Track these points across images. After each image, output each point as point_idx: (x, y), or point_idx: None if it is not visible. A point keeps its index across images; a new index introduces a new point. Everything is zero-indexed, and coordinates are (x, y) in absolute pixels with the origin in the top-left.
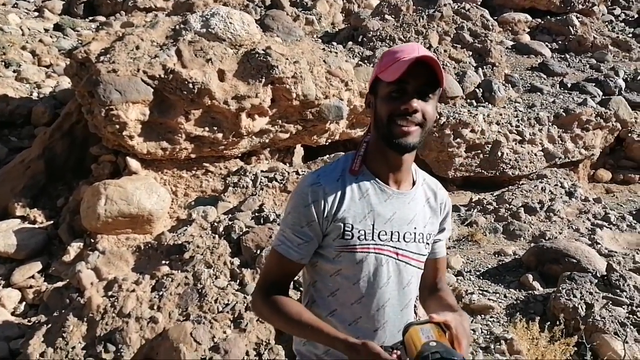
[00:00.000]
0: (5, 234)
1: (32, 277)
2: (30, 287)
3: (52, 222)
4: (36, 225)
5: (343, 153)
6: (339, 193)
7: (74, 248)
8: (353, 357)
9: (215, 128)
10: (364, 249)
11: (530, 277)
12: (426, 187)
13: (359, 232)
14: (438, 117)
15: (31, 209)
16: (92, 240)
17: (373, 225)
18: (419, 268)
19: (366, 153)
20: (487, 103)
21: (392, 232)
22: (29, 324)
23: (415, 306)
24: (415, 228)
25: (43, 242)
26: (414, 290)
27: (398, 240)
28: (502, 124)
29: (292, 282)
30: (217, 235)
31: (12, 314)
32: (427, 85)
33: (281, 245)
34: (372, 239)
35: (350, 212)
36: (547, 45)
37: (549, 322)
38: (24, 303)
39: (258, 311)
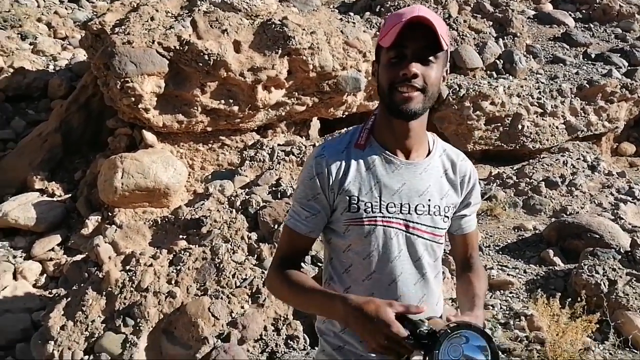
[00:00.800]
0: (24, 207)
1: (52, 249)
2: (51, 259)
3: (70, 195)
4: (54, 199)
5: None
6: (343, 165)
7: (92, 221)
8: (353, 317)
9: (231, 100)
10: (371, 222)
11: (551, 252)
12: (445, 158)
13: (365, 204)
14: (457, 89)
15: (49, 182)
16: (110, 214)
17: (380, 197)
18: (434, 242)
19: (374, 124)
20: (507, 75)
21: (401, 204)
22: (50, 296)
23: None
24: (429, 200)
25: (61, 215)
26: (429, 263)
27: (409, 213)
28: (523, 96)
29: (304, 258)
30: (234, 210)
31: (34, 286)
32: (427, 49)
33: (290, 220)
34: (380, 211)
35: (355, 184)
36: (570, 15)
37: (570, 299)
38: (44, 275)
39: (269, 286)
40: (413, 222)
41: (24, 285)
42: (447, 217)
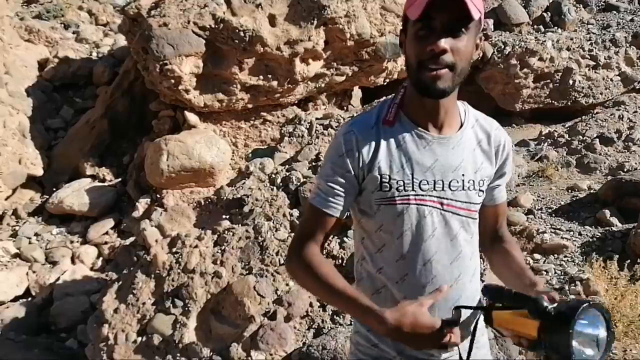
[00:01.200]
0: (78, 194)
1: (106, 233)
2: (105, 243)
3: (120, 179)
4: (106, 183)
5: None
6: (373, 142)
7: (142, 204)
8: (396, 335)
9: (270, 76)
10: (403, 201)
11: (608, 212)
12: (478, 129)
13: (397, 182)
14: (502, 46)
15: (99, 167)
16: (158, 196)
17: (412, 174)
18: (469, 217)
19: (404, 99)
20: (556, 27)
21: (434, 180)
22: (107, 278)
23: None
24: (463, 175)
25: (113, 199)
26: (466, 241)
27: (443, 189)
28: (574, 49)
29: (327, 239)
30: (275, 187)
31: (91, 269)
32: (457, 20)
33: (316, 198)
34: (412, 190)
35: (386, 162)
36: None
37: (629, 261)
38: (100, 258)
39: (291, 270)
40: (447, 198)
41: (81, 269)
42: (482, 190)
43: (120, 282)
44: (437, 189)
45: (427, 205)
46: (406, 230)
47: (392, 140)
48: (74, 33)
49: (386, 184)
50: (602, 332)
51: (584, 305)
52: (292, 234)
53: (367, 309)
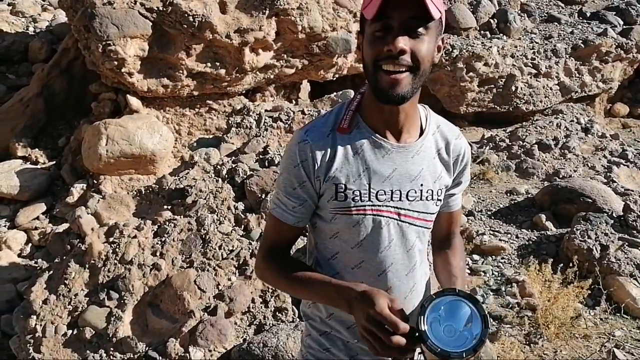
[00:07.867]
0: (7, 175)
1: (37, 218)
2: (35, 228)
3: (54, 162)
4: (38, 166)
5: (351, 90)
6: (328, 150)
7: (77, 189)
8: (348, 303)
9: (218, 64)
10: (359, 211)
11: (544, 217)
12: (438, 137)
13: (353, 192)
14: (450, 49)
15: (32, 149)
16: (95, 181)
17: (369, 184)
18: (425, 228)
19: (361, 104)
20: (501, 34)
21: (392, 190)
22: (37, 266)
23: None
24: (421, 185)
25: (46, 183)
26: (420, 251)
27: (400, 200)
28: (517, 56)
29: (292, 245)
30: (220, 179)
31: (19, 255)
32: (416, 19)
33: (276, 209)
34: (369, 200)
35: (342, 171)
36: None
37: (562, 264)
38: (29, 244)
39: (261, 276)
40: (405, 209)
41: (8, 255)
42: (440, 200)
43: (51, 272)
44: (395, 199)
45: (383, 216)
46: (362, 240)
47: (349, 148)
48: (9, 5)
49: (342, 193)
50: (465, 312)
51: (425, 303)
52: (236, 228)
53: (337, 286)
